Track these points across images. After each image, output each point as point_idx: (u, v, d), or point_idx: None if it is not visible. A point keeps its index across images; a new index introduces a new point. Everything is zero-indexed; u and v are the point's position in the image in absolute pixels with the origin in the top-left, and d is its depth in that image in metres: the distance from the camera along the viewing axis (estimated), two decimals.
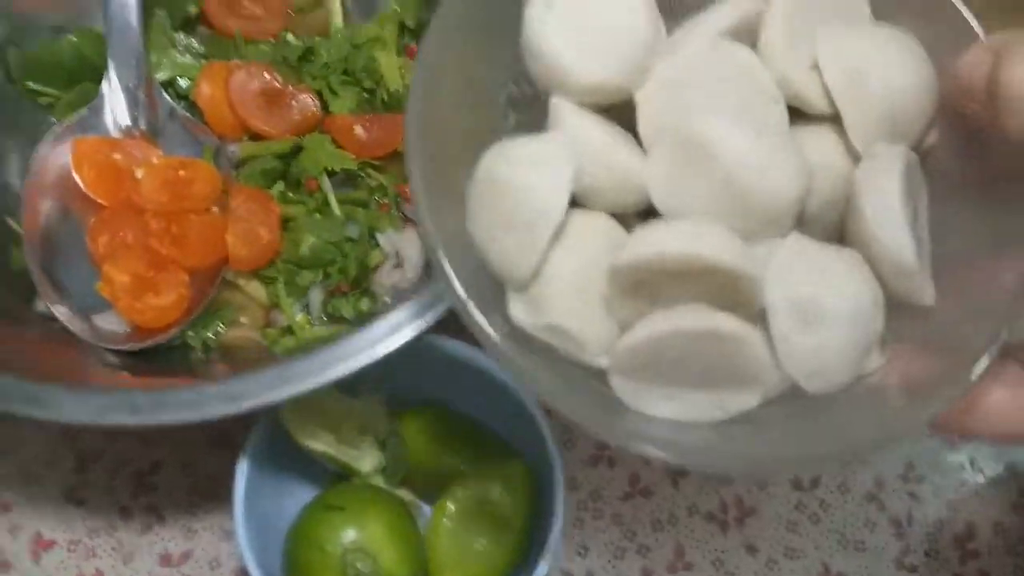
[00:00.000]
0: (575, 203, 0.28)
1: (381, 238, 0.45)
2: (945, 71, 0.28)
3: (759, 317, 0.26)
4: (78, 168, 0.45)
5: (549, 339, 0.27)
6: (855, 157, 0.28)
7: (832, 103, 0.28)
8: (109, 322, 0.43)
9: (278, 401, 0.34)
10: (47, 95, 0.48)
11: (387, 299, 0.45)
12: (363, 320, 0.44)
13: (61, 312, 0.42)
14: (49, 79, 0.47)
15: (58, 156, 0.45)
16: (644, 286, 0.26)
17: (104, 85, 0.45)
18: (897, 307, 0.28)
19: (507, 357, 0.26)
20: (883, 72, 0.28)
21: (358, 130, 0.47)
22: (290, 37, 0.49)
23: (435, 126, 0.29)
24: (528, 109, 0.31)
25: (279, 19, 0.50)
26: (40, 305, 0.43)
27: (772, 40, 0.28)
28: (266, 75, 0.47)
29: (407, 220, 0.46)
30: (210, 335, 0.45)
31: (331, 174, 0.46)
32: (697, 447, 0.27)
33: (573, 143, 0.27)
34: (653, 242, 0.26)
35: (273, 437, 0.38)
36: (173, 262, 0.43)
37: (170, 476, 0.43)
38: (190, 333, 0.44)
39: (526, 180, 0.27)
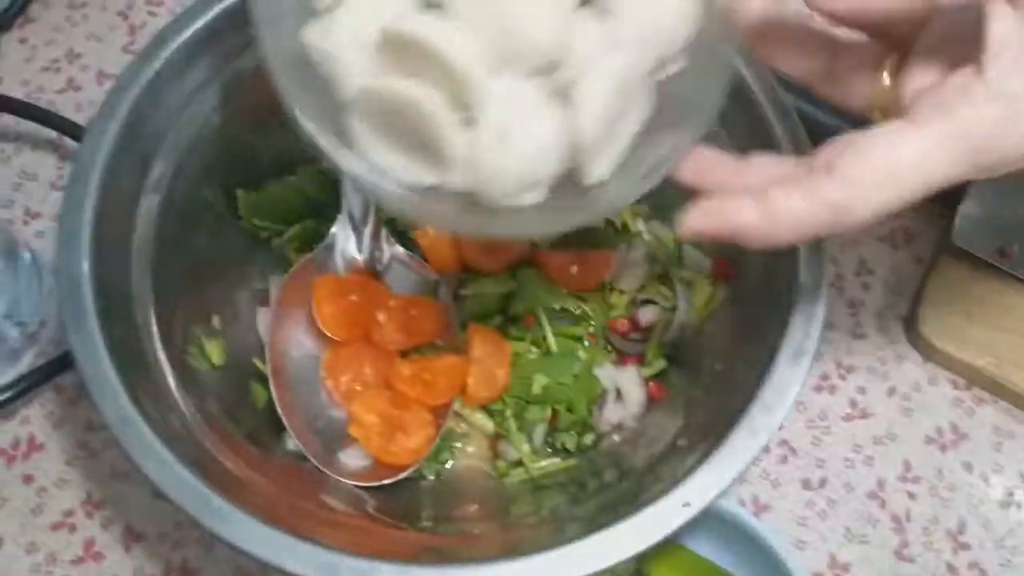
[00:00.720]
0: None
1: (599, 372, 0.48)
2: None
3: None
4: (318, 307, 0.47)
5: (321, 63, 0.31)
6: None
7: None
8: (352, 457, 0.46)
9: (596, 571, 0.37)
10: (266, 229, 0.50)
11: (615, 437, 0.48)
12: (585, 452, 0.48)
13: (314, 451, 0.45)
14: (272, 216, 0.50)
15: (296, 294, 0.47)
16: (409, 63, 0.30)
17: (337, 225, 0.48)
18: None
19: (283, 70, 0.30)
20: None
21: (573, 269, 0.50)
22: None
23: None
24: None
25: None
26: (289, 443, 0.46)
27: None
28: None
29: (621, 354, 0.50)
30: (445, 466, 0.47)
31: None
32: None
33: None
34: (410, 19, 0.30)
35: None
36: (417, 401, 0.46)
37: None
38: (425, 464, 0.47)
39: None
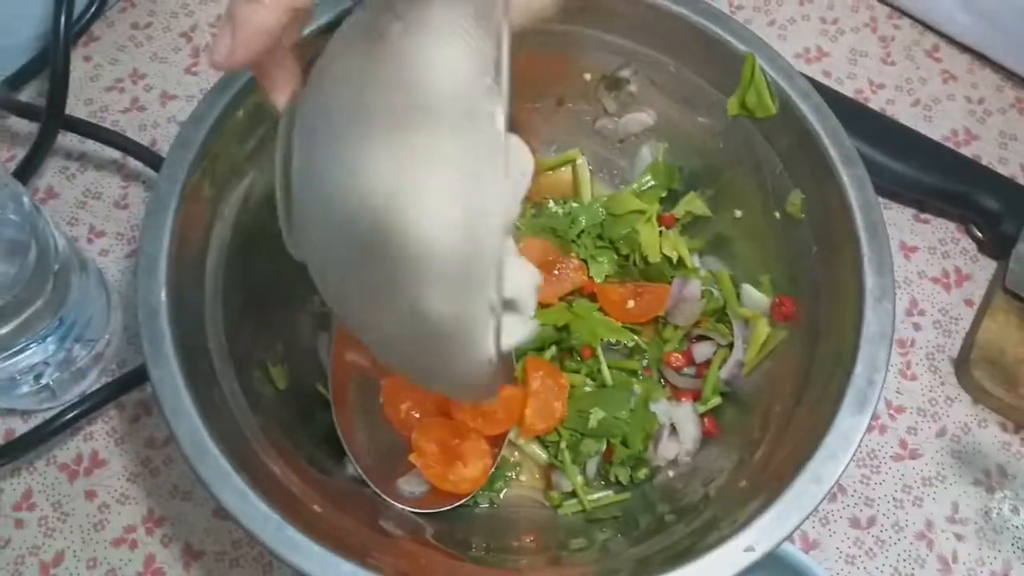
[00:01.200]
0: None
1: (655, 407, 0.49)
2: None
3: None
4: None
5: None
6: None
7: None
8: (410, 484, 0.47)
9: None
10: None
11: (669, 472, 0.48)
12: (639, 486, 0.48)
13: (374, 478, 0.45)
14: None
15: None
16: None
17: None
18: None
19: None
20: None
21: (630, 304, 0.50)
22: (552, 205, 0.53)
23: None
24: None
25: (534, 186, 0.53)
26: (350, 468, 0.46)
27: None
28: (543, 247, 0.50)
29: (674, 389, 0.50)
30: (499, 495, 0.48)
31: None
32: None
33: None
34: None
35: None
36: (475, 431, 0.47)
37: None
38: (479, 492, 0.47)
39: None
